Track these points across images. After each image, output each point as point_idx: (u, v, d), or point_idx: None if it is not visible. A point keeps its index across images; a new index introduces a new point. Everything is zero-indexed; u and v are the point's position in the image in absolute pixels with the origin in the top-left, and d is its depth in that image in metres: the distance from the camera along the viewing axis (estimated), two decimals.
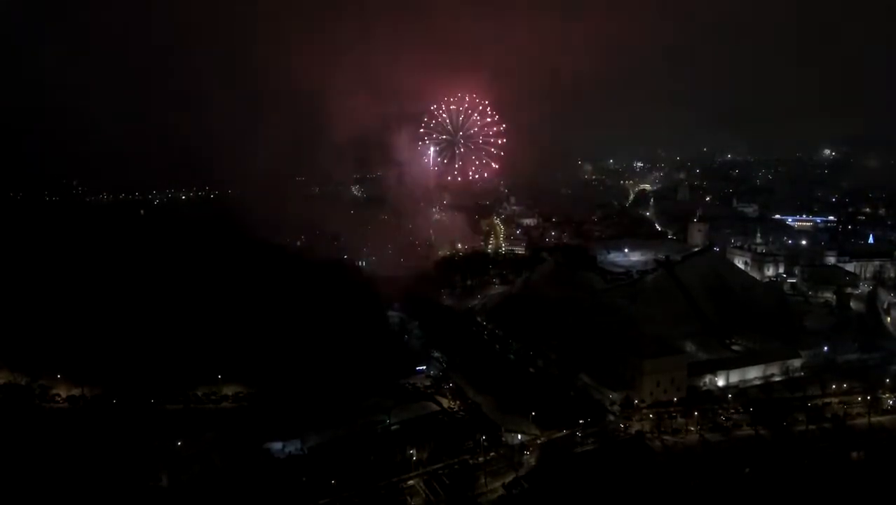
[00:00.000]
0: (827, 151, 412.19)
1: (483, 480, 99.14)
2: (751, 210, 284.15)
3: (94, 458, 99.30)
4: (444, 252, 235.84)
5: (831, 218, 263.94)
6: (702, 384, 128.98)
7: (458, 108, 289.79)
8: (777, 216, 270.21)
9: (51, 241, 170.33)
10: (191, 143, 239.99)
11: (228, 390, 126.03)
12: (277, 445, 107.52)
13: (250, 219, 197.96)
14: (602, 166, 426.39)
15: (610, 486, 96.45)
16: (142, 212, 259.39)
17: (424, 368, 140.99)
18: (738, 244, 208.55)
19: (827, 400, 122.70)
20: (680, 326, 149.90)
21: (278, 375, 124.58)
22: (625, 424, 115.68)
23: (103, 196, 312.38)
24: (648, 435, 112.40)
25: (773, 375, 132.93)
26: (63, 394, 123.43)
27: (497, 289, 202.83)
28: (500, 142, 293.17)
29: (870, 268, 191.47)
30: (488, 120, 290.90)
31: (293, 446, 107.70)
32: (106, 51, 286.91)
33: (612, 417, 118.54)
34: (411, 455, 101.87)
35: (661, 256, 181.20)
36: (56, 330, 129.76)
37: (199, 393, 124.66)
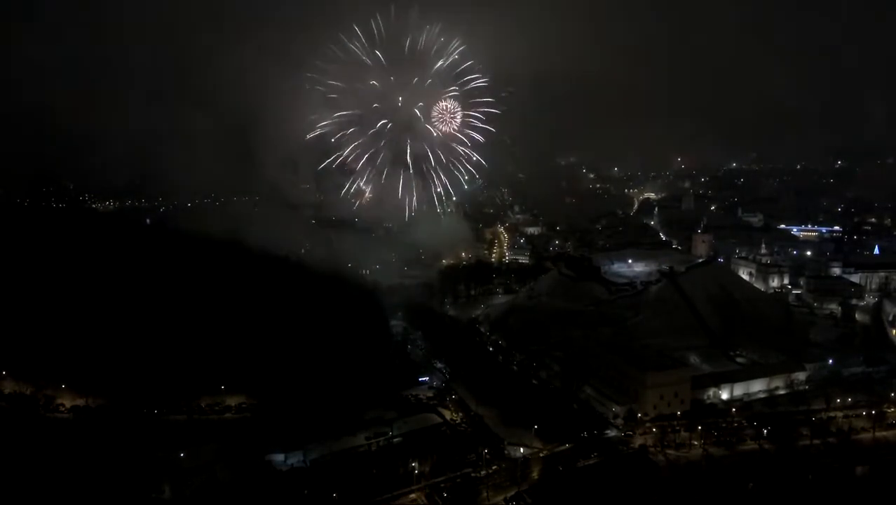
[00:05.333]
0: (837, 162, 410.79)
1: (485, 494, 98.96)
2: (756, 220, 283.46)
3: (96, 469, 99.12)
4: (447, 261, 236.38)
5: (837, 228, 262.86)
6: (706, 397, 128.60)
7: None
8: (782, 226, 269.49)
9: (56, 249, 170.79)
10: (195, 150, 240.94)
11: (232, 401, 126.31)
12: (280, 457, 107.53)
13: (253, 227, 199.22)
14: (606, 175, 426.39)
15: (613, 500, 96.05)
16: (147, 221, 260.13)
17: (427, 379, 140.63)
18: (743, 255, 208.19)
19: (832, 414, 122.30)
20: (684, 338, 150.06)
21: (281, 385, 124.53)
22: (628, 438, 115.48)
23: (109, 203, 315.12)
24: (652, 449, 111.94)
25: (777, 388, 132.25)
26: (67, 404, 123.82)
27: (500, 298, 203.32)
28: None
29: (875, 279, 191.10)
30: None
31: (295, 458, 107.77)
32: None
33: (615, 431, 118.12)
34: (413, 468, 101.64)
35: (665, 267, 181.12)
36: (61, 340, 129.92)
37: (203, 404, 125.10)
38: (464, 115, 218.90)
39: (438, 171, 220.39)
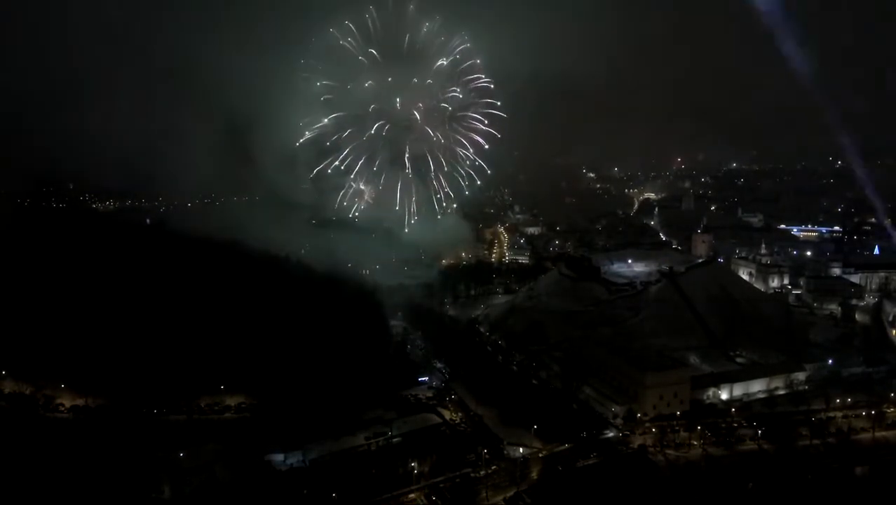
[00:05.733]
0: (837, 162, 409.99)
1: (484, 494, 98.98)
2: (756, 220, 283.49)
3: (96, 468, 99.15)
4: (447, 261, 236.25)
5: (837, 228, 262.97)
6: (705, 397, 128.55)
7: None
8: (782, 226, 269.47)
9: (56, 249, 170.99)
10: (195, 151, 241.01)
11: (231, 401, 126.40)
12: (279, 457, 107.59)
13: (253, 228, 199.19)
14: (606, 175, 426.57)
15: (612, 500, 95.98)
16: (147, 221, 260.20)
17: (427, 379, 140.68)
18: (743, 255, 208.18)
19: (831, 414, 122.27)
20: (683, 339, 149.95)
21: (281, 385, 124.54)
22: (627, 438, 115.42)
23: (109, 203, 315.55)
24: (651, 449, 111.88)
25: (777, 388, 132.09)
26: (67, 404, 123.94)
27: (500, 298, 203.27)
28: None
29: (875, 279, 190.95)
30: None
31: (295, 458, 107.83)
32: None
33: (614, 431, 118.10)
34: (413, 468, 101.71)
35: (665, 267, 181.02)
36: (61, 339, 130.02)
37: (203, 404, 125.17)
38: (464, 117, 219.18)
39: (439, 176, 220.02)
